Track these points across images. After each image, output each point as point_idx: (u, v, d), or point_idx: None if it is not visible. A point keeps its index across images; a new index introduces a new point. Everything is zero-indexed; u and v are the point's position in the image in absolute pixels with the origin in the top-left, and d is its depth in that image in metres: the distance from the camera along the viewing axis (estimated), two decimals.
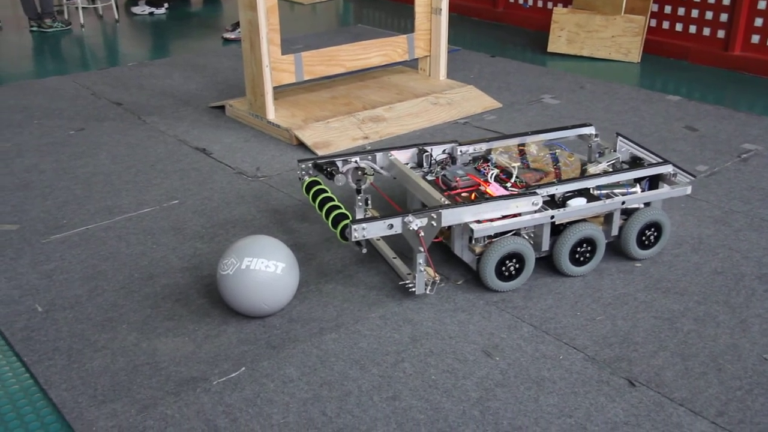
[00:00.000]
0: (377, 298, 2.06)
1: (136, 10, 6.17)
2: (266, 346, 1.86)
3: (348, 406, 1.66)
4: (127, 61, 4.67)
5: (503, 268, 2.04)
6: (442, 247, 2.24)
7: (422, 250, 1.96)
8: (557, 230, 2.13)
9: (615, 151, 2.43)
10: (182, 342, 1.88)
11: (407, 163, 2.39)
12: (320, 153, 3.06)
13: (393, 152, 2.37)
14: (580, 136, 2.55)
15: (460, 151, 2.41)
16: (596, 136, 2.50)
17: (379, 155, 2.36)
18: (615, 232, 2.20)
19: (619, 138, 2.43)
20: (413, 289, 2.03)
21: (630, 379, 1.73)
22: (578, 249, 2.11)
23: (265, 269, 1.89)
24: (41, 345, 1.87)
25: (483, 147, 2.44)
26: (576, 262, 2.13)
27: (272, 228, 2.46)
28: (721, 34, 4.39)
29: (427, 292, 2.04)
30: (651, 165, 2.27)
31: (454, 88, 3.70)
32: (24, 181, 2.85)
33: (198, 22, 5.77)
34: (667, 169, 2.26)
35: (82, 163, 3.02)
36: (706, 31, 4.45)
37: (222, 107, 3.63)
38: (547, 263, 2.17)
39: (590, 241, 2.12)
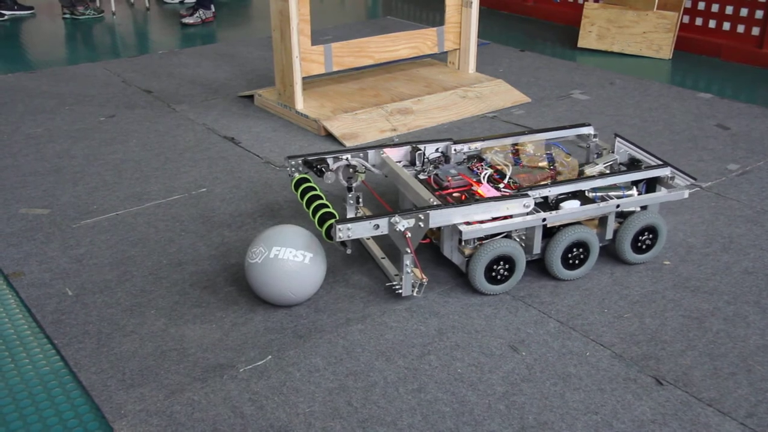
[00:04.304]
0: None
1: None
2: (293, 335, 1.87)
3: (373, 396, 1.67)
4: (157, 49, 4.70)
5: (493, 271, 2.00)
6: (432, 248, 2.21)
7: (409, 251, 1.93)
8: (550, 232, 2.08)
9: (613, 152, 2.39)
10: (210, 329, 1.90)
11: (400, 162, 2.32)
12: (348, 144, 3.07)
13: (385, 150, 2.30)
14: (579, 136, 2.49)
15: (455, 150, 2.35)
16: (595, 136, 2.45)
17: (371, 153, 2.30)
18: (609, 235, 2.15)
19: (617, 139, 2.38)
20: (400, 291, 1.99)
21: (657, 378, 1.72)
22: (571, 252, 2.06)
23: (293, 259, 1.90)
24: (71, 328, 1.90)
25: (478, 146, 2.38)
26: (568, 266, 2.08)
27: (300, 218, 2.46)
28: (755, 31, 4.32)
29: (414, 294, 2.00)
30: (648, 167, 2.22)
31: (483, 81, 3.69)
32: (55, 166, 2.89)
33: (227, 11, 5.79)
34: (664, 171, 2.20)
35: (113, 150, 3.05)
36: (740, 28, 4.39)
37: (251, 97, 3.65)
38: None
39: (583, 245, 2.07)
